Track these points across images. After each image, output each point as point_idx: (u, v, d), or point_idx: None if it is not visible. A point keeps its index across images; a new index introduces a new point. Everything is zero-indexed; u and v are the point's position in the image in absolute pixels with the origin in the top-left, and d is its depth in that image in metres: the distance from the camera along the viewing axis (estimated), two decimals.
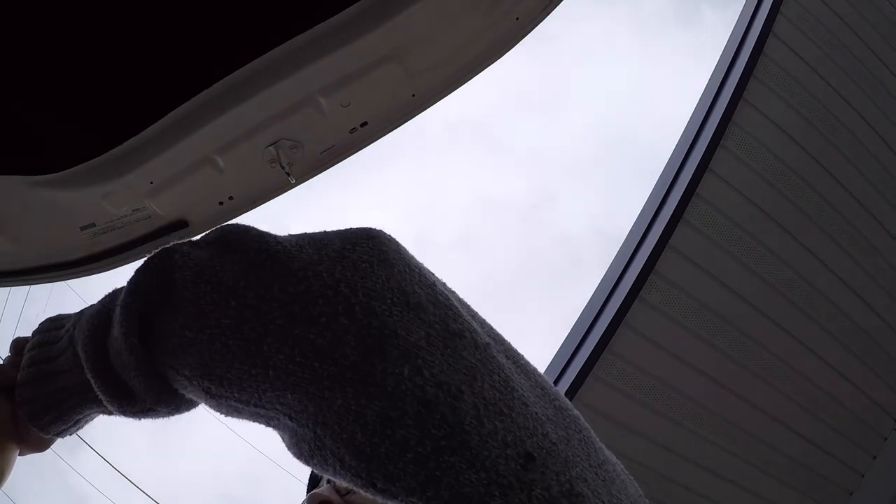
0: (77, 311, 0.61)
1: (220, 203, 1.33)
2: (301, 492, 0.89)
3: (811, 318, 3.39)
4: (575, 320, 3.21)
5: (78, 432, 0.64)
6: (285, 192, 1.31)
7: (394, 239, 0.52)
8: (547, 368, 3.21)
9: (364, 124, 1.28)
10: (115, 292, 0.56)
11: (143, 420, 0.56)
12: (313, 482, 0.90)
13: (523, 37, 1.41)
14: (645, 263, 3.06)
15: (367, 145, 1.30)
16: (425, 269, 0.51)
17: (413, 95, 1.29)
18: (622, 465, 0.48)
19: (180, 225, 1.34)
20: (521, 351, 0.51)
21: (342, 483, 0.63)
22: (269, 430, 0.49)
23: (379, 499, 0.44)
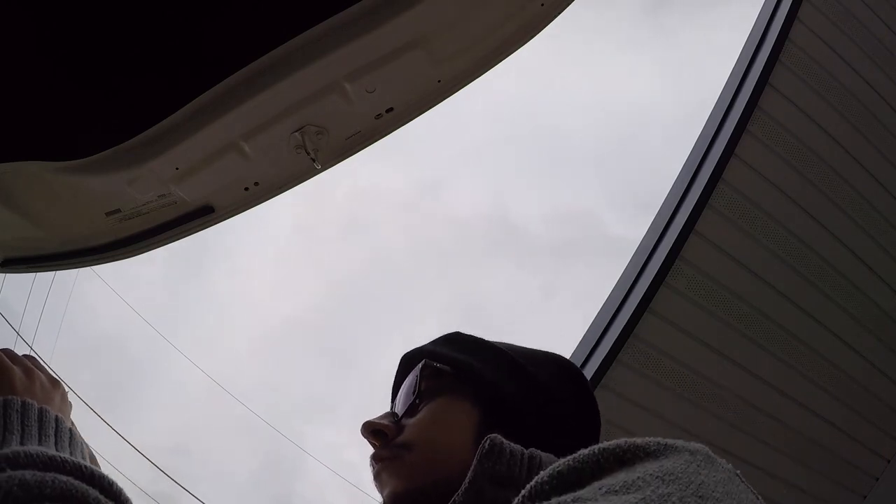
0: None
1: (246, 189, 1.33)
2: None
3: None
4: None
5: None
6: (311, 177, 1.31)
7: None
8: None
9: (390, 110, 1.27)
10: None
11: None
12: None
13: (548, 23, 1.40)
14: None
15: (392, 131, 1.29)
16: None
17: (439, 81, 1.28)
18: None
19: (206, 210, 1.34)
20: None
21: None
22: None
23: None
